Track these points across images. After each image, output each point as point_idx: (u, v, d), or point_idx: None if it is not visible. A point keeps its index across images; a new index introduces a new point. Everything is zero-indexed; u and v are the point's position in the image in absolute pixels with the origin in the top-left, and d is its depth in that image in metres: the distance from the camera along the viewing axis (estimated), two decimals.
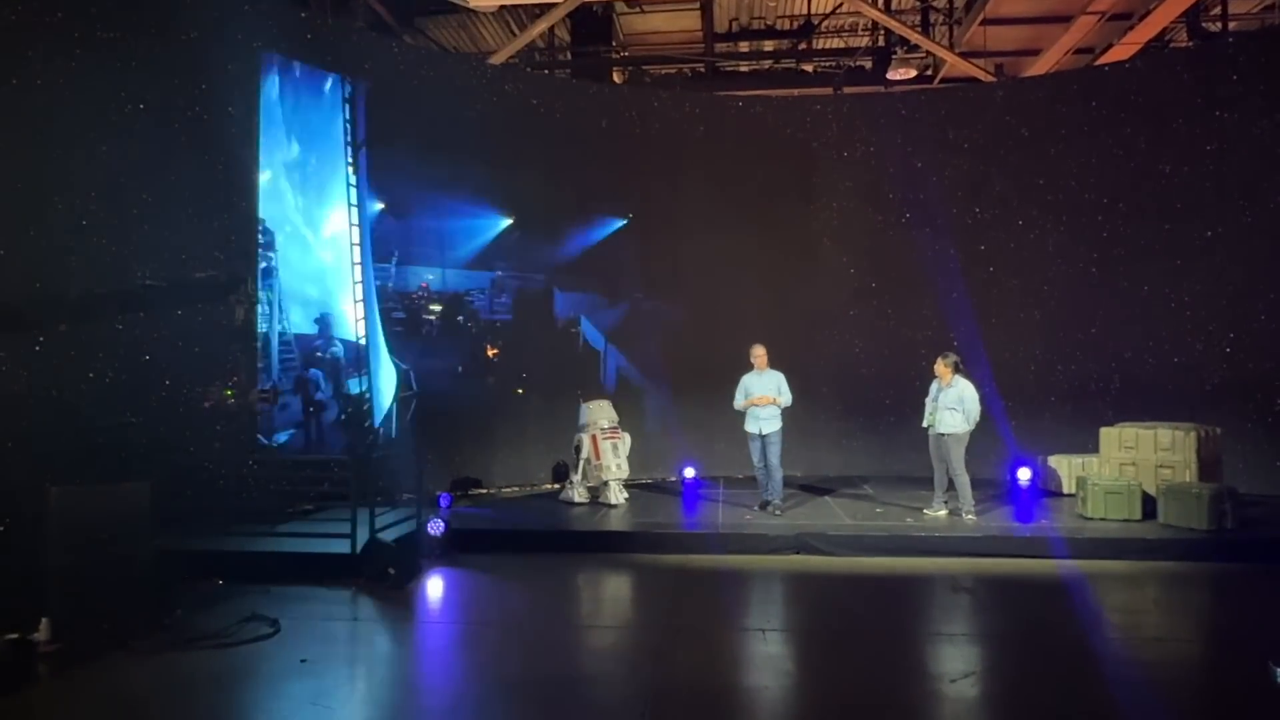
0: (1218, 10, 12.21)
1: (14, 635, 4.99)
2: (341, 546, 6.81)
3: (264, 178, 8.14)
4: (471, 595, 6.68)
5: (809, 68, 14.34)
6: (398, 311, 9.61)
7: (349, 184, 8.99)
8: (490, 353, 10.37)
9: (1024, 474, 9.29)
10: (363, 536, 6.81)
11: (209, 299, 7.24)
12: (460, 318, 10.18)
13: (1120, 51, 12.59)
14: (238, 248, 8.07)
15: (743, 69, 14.78)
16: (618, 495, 9.18)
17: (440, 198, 10.08)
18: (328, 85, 8.88)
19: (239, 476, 7.89)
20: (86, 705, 4.44)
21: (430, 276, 9.81)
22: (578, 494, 9.34)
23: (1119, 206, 10.49)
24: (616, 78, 14.43)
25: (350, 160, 8.96)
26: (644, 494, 9.97)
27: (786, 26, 14.20)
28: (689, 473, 10.19)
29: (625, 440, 9.32)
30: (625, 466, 9.24)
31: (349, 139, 9.00)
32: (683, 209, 11.43)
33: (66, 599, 5.18)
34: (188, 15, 7.75)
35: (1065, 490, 9.41)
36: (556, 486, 10.13)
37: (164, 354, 7.36)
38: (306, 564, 6.80)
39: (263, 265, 8.13)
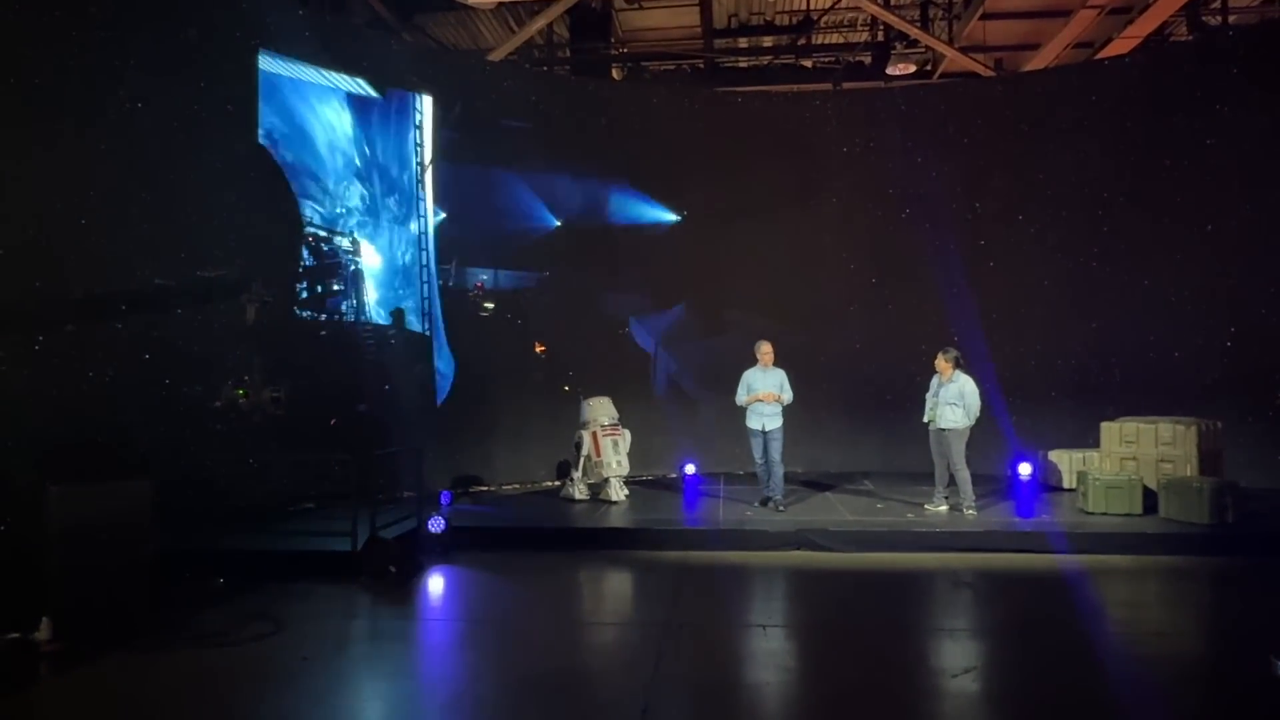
0: (1217, 4, 12.16)
1: (15, 634, 5.00)
2: (342, 544, 6.80)
3: (353, 193, 9.58)
4: (472, 592, 6.68)
5: (808, 63, 14.30)
6: (456, 307, 10.57)
7: (418, 197, 10.17)
8: (539, 349, 10.99)
9: (1025, 469, 9.28)
10: (363, 534, 6.81)
11: (220, 298, 7.18)
12: (509, 314, 10.99)
13: (1120, 46, 12.56)
14: (236, 246, 8.07)
15: (742, 65, 14.73)
16: (618, 492, 9.18)
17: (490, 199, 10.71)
18: (402, 105, 10.13)
19: (239, 475, 7.89)
20: (87, 704, 4.44)
21: (485, 276, 10.85)
22: (578, 491, 9.34)
23: (1119, 201, 10.47)
24: (615, 74, 14.40)
25: (419, 177, 10.17)
26: (645, 491, 9.97)
27: (785, 22, 14.14)
28: (689, 469, 10.19)
29: (626, 437, 9.31)
30: (626, 463, 9.24)
31: (419, 159, 10.26)
32: (682, 205, 11.42)
33: (67, 598, 5.18)
34: (185, 14, 7.74)
35: (1066, 485, 9.41)
36: (557, 484, 10.13)
37: (163, 353, 7.36)
38: (307, 562, 6.79)
39: (351, 268, 9.53)
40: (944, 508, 8.31)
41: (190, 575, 6.37)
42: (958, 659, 4.93)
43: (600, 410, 9.35)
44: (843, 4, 12.86)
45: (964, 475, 8.10)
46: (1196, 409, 9.01)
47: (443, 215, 10.34)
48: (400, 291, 10.07)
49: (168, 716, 4.31)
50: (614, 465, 9.15)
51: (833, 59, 14.03)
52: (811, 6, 13.49)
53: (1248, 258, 9.65)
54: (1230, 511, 7.54)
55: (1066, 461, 9.53)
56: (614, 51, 14.04)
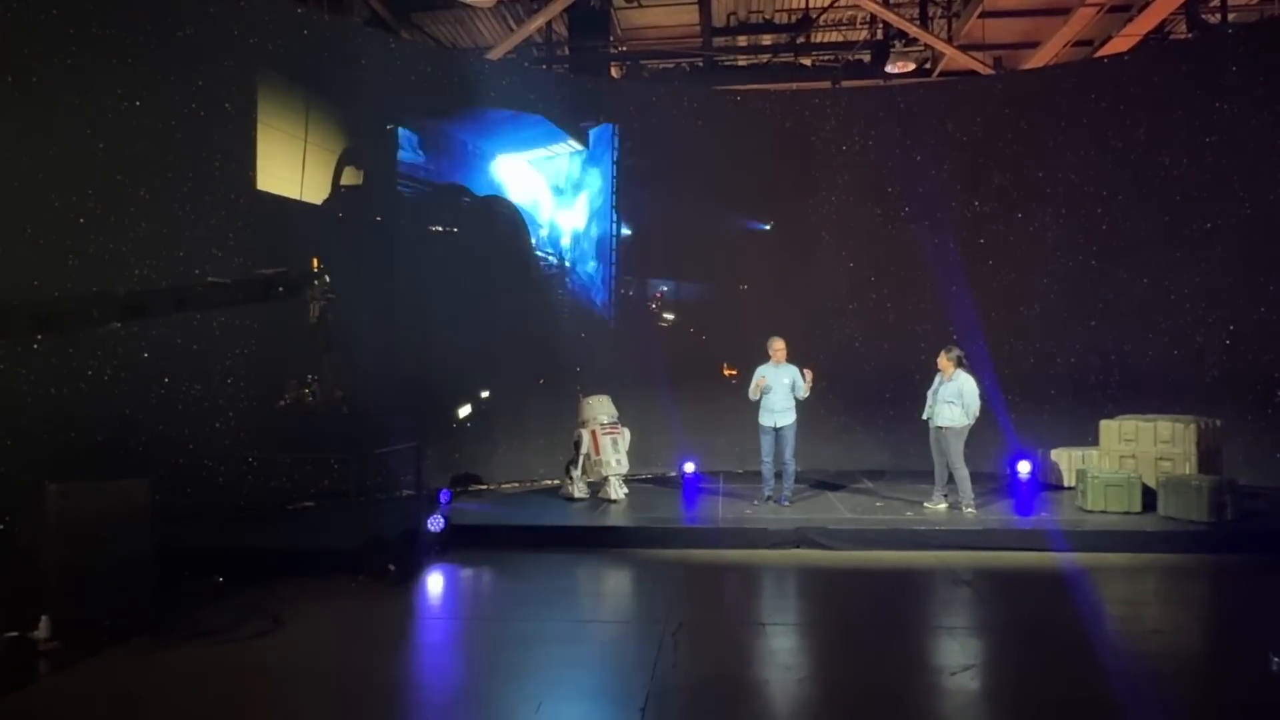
0: (1216, 2, 12.17)
1: (14, 633, 4.99)
2: (342, 542, 6.79)
3: (561, 219, 11.37)
4: (471, 591, 6.68)
5: (807, 61, 14.29)
6: (637, 315, 11.46)
7: (610, 223, 11.51)
8: (728, 372, 10.95)
9: (1024, 467, 9.26)
10: (363, 532, 6.81)
11: (279, 296, 6.97)
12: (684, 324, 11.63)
13: (1119, 44, 12.56)
14: (235, 244, 8.06)
15: (741, 63, 14.73)
16: (618, 490, 9.17)
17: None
18: (602, 137, 11.52)
19: (239, 473, 7.88)
20: (86, 703, 4.44)
21: (665, 287, 11.65)
22: (578, 489, 9.33)
23: (1118, 199, 10.47)
24: (614, 72, 14.40)
25: (614, 203, 11.47)
26: (644, 489, 9.96)
27: (784, 20, 14.14)
28: (689, 467, 10.17)
29: (625, 435, 9.29)
30: (625, 462, 9.22)
31: (615, 191, 11.47)
32: (681, 204, 11.41)
33: (66, 596, 5.18)
34: (183, 12, 7.73)
35: (1065, 483, 9.41)
36: (556, 482, 10.12)
37: (161, 351, 7.35)
38: (307, 560, 6.79)
39: (567, 281, 11.34)
40: (943, 506, 8.31)
41: (189, 573, 6.37)
42: (956, 657, 4.93)
43: (599, 408, 9.33)
44: (842, 2, 12.87)
45: (963, 473, 8.10)
46: (1195, 407, 9.01)
47: (627, 231, 11.48)
48: (589, 296, 11.41)
49: (166, 714, 4.31)
50: (613, 463, 9.12)
51: (832, 57, 14.03)
52: (810, 5, 13.49)
53: (1247, 255, 9.65)
54: (1229, 509, 7.54)
55: (1066, 459, 9.52)
56: (613, 49, 14.03)
